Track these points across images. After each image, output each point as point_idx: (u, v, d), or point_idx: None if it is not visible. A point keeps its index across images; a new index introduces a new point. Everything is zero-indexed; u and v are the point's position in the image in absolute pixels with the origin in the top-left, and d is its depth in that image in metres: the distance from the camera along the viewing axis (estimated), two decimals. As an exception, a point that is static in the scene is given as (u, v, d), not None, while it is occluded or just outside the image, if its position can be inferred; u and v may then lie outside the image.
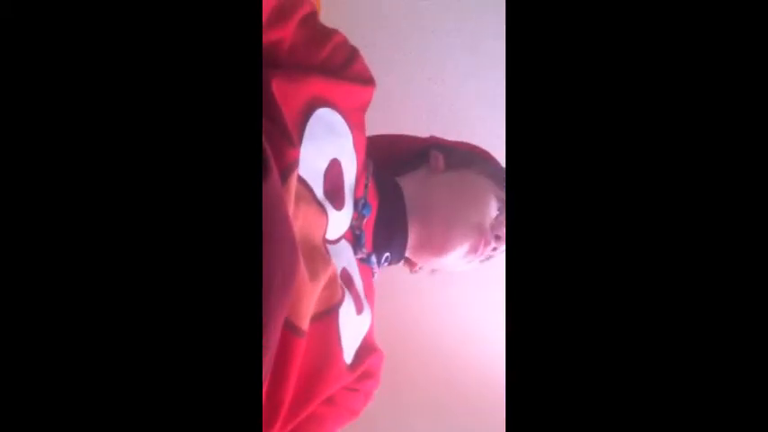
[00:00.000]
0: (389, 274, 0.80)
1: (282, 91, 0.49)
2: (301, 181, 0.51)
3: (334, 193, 0.57)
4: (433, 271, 0.78)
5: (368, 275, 0.66)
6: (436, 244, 0.68)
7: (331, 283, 0.53)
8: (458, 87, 1.34)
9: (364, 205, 0.62)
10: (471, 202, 0.67)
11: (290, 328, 0.47)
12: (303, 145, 0.51)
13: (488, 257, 0.71)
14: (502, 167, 0.75)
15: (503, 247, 0.69)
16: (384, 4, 1.30)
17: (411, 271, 0.78)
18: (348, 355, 0.57)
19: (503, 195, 0.69)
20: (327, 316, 0.53)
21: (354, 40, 0.63)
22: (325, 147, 0.55)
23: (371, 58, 0.64)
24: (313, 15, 0.57)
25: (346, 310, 0.56)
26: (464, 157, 0.73)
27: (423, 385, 1.43)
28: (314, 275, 0.50)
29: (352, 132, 0.59)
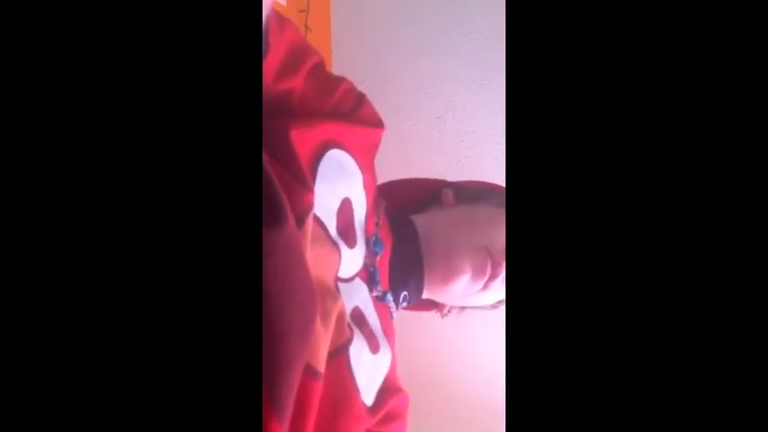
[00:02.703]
0: (419, 315, 0.79)
1: (296, 137, 0.51)
2: (316, 220, 0.52)
3: (347, 231, 0.58)
4: (462, 309, 0.77)
5: (386, 315, 0.65)
6: (440, 270, 0.67)
7: (339, 321, 0.53)
8: (467, 124, 1.36)
9: (376, 242, 0.63)
10: (474, 226, 0.67)
11: (308, 371, 0.47)
12: (316, 185, 0.52)
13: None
14: None
15: None
16: (393, 45, 1.34)
17: (441, 315, 0.77)
18: (367, 396, 0.57)
19: None
20: (337, 356, 0.53)
21: (364, 87, 0.65)
22: (337, 186, 0.56)
23: (380, 103, 0.67)
24: (321, 65, 0.60)
25: (357, 350, 0.56)
26: (474, 191, 0.74)
27: (451, 429, 1.40)
28: (325, 316, 0.50)
29: (362, 173, 0.61)
